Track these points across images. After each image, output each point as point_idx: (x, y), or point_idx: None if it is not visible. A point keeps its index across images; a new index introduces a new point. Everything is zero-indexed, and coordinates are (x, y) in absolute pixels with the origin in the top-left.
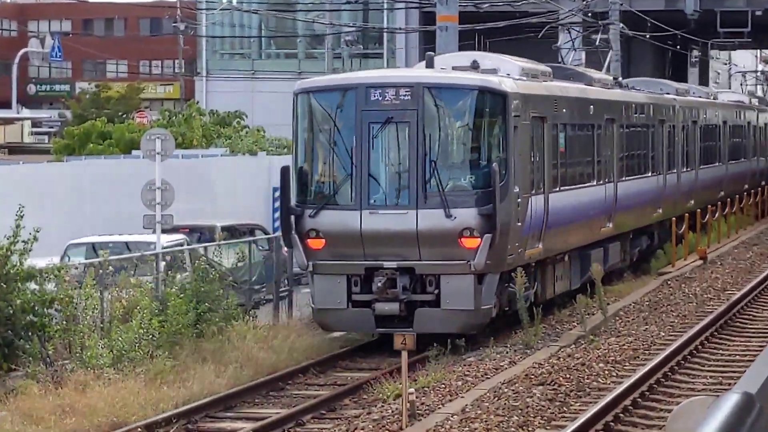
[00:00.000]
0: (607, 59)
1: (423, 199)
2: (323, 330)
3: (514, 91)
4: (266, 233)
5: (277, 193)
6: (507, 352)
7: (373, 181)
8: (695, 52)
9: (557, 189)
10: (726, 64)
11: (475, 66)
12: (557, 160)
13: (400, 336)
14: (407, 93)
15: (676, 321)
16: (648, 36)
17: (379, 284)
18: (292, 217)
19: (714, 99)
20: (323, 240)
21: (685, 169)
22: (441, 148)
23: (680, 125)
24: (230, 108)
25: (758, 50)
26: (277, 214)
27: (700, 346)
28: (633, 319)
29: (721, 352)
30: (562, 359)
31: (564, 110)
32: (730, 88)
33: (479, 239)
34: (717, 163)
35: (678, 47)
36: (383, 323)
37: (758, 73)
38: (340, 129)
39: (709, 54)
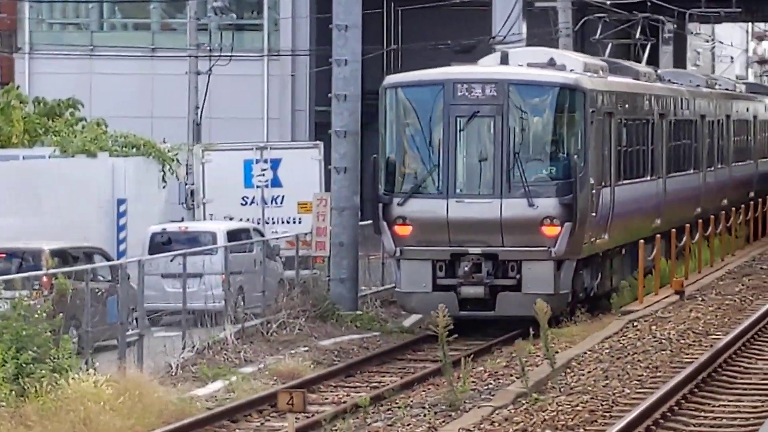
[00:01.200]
0: (646, 51)
1: (507, 188)
2: (407, 312)
3: (591, 88)
4: (108, 259)
5: (123, 207)
6: (425, 415)
7: (460, 172)
8: (669, 26)
9: (621, 182)
10: (709, 41)
11: (552, 63)
12: (621, 154)
13: (286, 395)
14: (493, 89)
15: (645, 374)
16: (608, 3)
17: (465, 269)
18: (380, 205)
19: (741, 91)
20: (410, 227)
21: (720, 166)
22: (524, 141)
23: (716, 120)
24: (62, 95)
25: (749, 24)
26: (123, 234)
27: (676, 407)
28: (589, 372)
29: (703, 414)
30: (497, 425)
31: (627, 105)
32: (713, 72)
33: (560, 227)
34: (748, 161)
35: (647, 19)
36: (467, 306)
37: (750, 54)
38: (428, 122)
39: (686, 28)
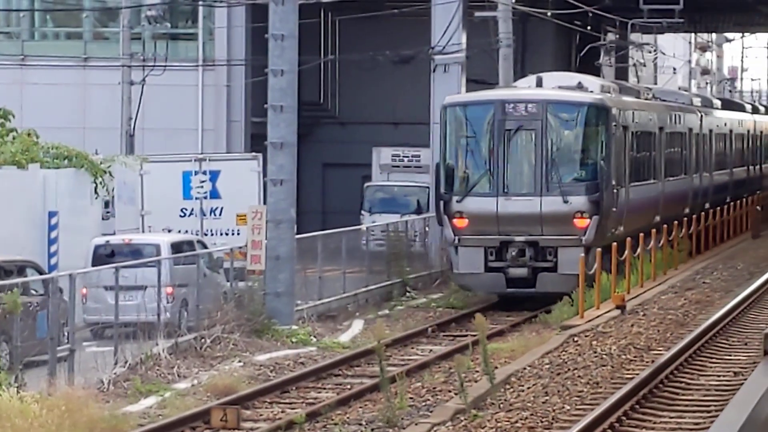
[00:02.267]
0: (653, 71)
1: (545, 188)
2: (464, 290)
3: (612, 106)
4: (41, 272)
5: (54, 220)
6: None
7: (507, 175)
8: (611, 36)
9: (633, 184)
10: (651, 52)
11: (579, 86)
12: (633, 161)
13: (220, 411)
14: (534, 107)
15: (586, 390)
16: (549, 14)
17: (512, 254)
18: (442, 203)
19: (717, 107)
20: (467, 220)
21: (704, 173)
22: (559, 149)
23: (701, 133)
24: None
25: (693, 34)
26: (54, 247)
27: (616, 424)
28: (529, 388)
29: (645, 431)
30: None
31: (636, 120)
32: (656, 83)
33: (589, 220)
34: (725, 170)
35: (589, 29)
36: (512, 284)
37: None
38: (481, 134)
39: (628, 39)
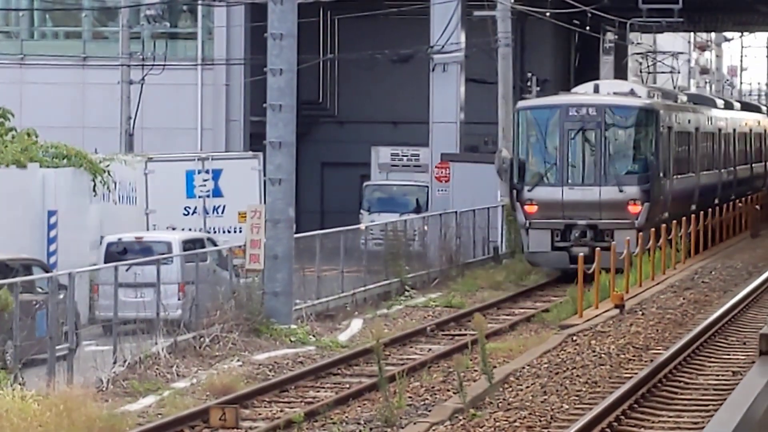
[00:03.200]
0: (676, 78)
1: (604, 179)
2: (533, 266)
3: (659, 110)
4: (47, 271)
5: (53, 219)
6: (360, 431)
7: (571, 168)
8: (610, 35)
9: (675, 176)
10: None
11: (631, 92)
12: (675, 156)
13: (219, 410)
14: (594, 110)
15: (584, 389)
16: (548, 14)
17: (575, 235)
18: (515, 191)
19: (738, 108)
20: (536, 206)
21: (730, 168)
22: (615, 146)
23: (726, 132)
24: None
25: (692, 34)
26: (54, 246)
27: (615, 423)
28: (527, 387)
29: (643, 430)
30: None
31: (678, 122)
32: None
33: (640, 207)
34: (747, 165)
35: (588, 28)
36: (575, 261)
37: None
38: (549, 133)
39: (627, 38)
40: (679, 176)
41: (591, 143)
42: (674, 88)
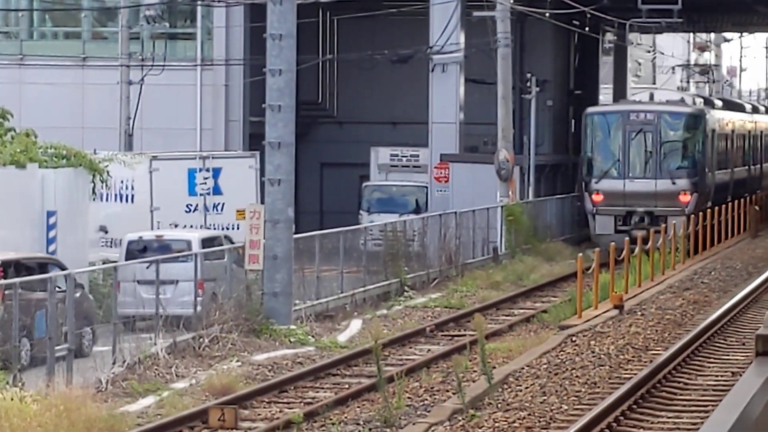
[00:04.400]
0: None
1: (659, 173)
2: (599, 246)
3: (706, 114)
4: (63, 268)
5: (52, 219)
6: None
7: (632, 163)
8: (609, 36)
9: (717, 171)
10: (650, 51)
11: (682, 100)
12: (716, 154)
13: (218, 411)
14: (651, 115)
15: (584, 390)
16: (547, 15)
17: (635, 220)
18: (584, 183)
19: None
20: (602, 196)
21: (757, 165)
22: (668, 145)
23: (755, 135)
24: None
25: (691, 34)
26: (53, 246)
27: (614, 424)
28: (527, 388)
29: (642, 431)
30: None
31: (719, 125)
32: (654, 83)
33: (690, 196)
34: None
35: (587, 29)
36: (634, 243)
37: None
38: (614, 134)
39: (627, 38)
40: (719, 171)
41: (648, 143)
42: (677, 89)
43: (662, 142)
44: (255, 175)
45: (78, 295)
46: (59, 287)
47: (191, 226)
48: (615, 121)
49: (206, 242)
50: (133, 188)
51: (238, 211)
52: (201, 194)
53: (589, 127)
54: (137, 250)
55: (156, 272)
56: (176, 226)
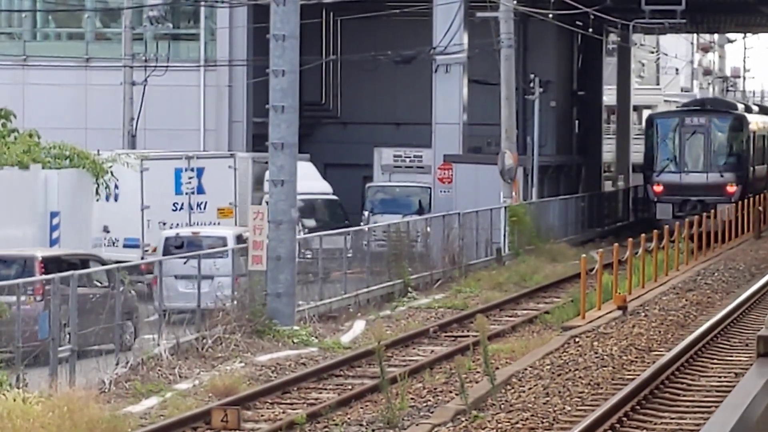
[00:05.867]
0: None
1: (709, 167)
2: (659, 227)
3: (748, 118)
4: (103, 263)
5: (56, 220)
6: None
7: (686, 159)
8: (613, 37)
9: (755, 166)
10: (653, 52)
11: (728, 105)
12: (755, 152)
13: (221, 412)
14: (703, 119)
15: (587, 391)
16: (550, 15)
17: (689, 208)
18: (646, 176)
19: None
20: (662, 187)
21: None
22: (718, 144)
23: None
24: None
25: (695, 35)
26: (57, 247)
27: (617, 425)
28: (530, 389)
29: None
30: None
31: (759, 127)
32: (658, 84)
33: (736, 187)
34: None
35: (591, 30)
36: (690, 226)
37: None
38: (671, 135)
39: (630, 39)
40: (758, 166)
41: (700, 142)
42: (681, 90)
43: (712, 141)
44: (233, 175)
45: (121, 289)
46: (99, 282)
47: (177, 224)
48: (672, 124)
49: (239, 239)
50: (117, 187)
51: (219, 209)
52: (186, 193)
53: (651, 128)
54: (174, 246)
55: (197, 267)
56: (164, 224)
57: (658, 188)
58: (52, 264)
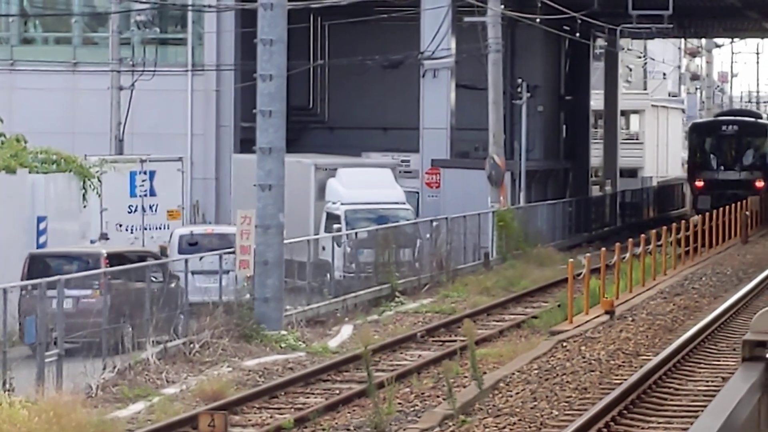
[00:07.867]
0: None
1: (740, 166)
2: (699, 214)
3: None
4: (158, 260)
5: (43, 224)
6: None
7: (722, 160)
8: (600, 41)
9: None
10: (641, 57)
11: (756, 114)
12: None
13: (208, 416)
14: (735, 125)
15: (574, 395)
16: (538, 20)
17: (725, 199)
18: (690, 173)
19: None
20: (702, 182)
21: None
22: (748, 147)
23: None
24: None
25: (682, 40)
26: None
27: (605, 429)
28: (517, 393)
29: None
30: None
31: None
32: (645, 89)
33: (764, 183)
34: None
35: (578, 35)
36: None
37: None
38: (709, 140)
39: (618, 44)
40: None
41: (734, 145)
42: (669, 95)
43: (743, 143)
44: (181, 178)
45: (172, 285)
46: (155, 278)
47: (132, 226)
48: (712, 129)
49: None
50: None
51: (168, 211)
52: (140, 195)
53: (692, 133)
54: (189, 243)
55: (219, 264)
56: (120, 226)
57: (700, 183)
58: (115, 260)
